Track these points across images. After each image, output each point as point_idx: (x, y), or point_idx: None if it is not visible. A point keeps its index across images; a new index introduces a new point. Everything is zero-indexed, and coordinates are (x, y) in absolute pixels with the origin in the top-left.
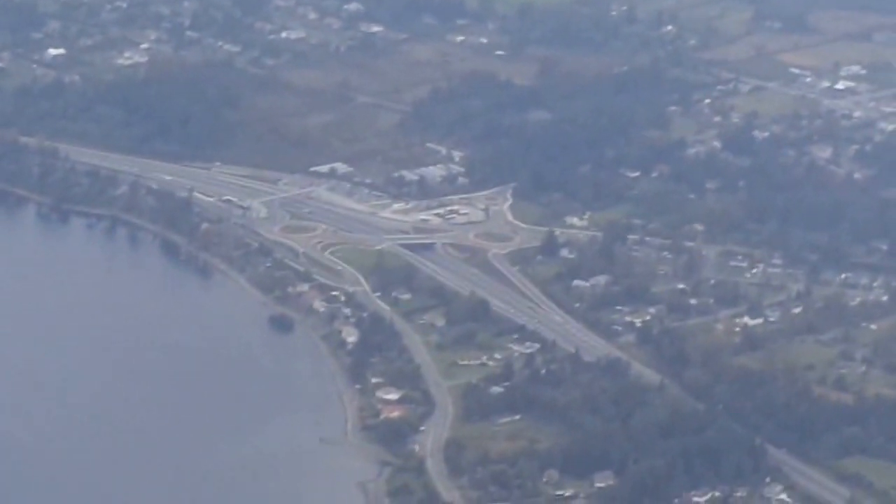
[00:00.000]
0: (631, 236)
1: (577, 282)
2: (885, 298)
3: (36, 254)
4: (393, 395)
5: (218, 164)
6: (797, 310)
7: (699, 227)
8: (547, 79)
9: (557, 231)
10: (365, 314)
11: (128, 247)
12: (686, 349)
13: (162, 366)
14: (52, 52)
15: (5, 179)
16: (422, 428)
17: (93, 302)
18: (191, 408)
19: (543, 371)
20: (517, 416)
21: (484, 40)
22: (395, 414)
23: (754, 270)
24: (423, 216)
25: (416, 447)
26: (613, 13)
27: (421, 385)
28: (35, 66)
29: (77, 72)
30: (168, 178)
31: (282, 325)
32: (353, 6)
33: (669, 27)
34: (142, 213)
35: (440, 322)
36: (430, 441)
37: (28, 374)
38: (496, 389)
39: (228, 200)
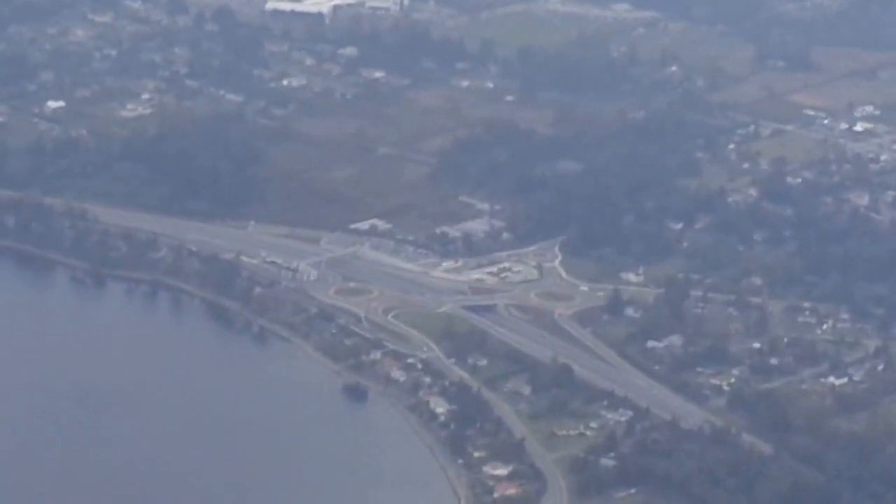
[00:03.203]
0: (694, 292)
1: (651, 343)
2: None
3: (78, 321)
4: (502, 471)
5: (253, 222)
6: (880, 367)
7: (758, 280)
8: (566, 126)
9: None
10: (447, 383)
11: (174, 313)
12: (786, 414)
13: (245, 440)
14: (52, 104)
15: (34, 243)
16: None
17: (153, 374)
18: (291, 484)
19: (648, 441)
20: (632, 490)
21: (490, 85)
22: (511, 491)
23: (824, 326)
24: (476, 275)
25: None
26: (614, 54)
27: (526, 459)
28: (36, 119)
29: (82, 125)
30: (206, 238)
31: (356, 394)
32: (348, 50)
33: (674, 68)
34: (187, 277)
35: (526, 390)
36: None
37: (91, 458)
38: (606, 462)
39: (274, 262)
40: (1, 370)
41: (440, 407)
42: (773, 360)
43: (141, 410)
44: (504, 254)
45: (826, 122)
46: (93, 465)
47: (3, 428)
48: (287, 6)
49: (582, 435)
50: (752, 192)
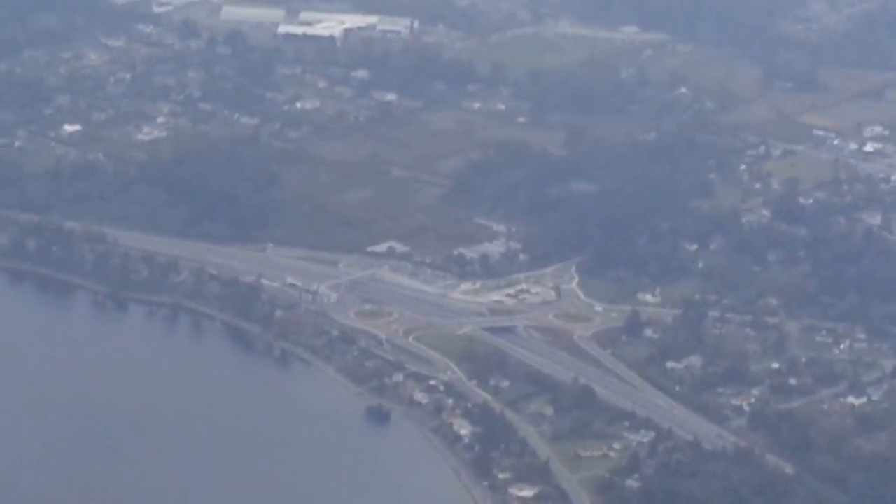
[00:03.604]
0: (711, 313)
1: (671, 363)
2: None
3: (99, 344)
4: (528, 493)
5: (270, 245)
6: None
7: (774, 301)
8: (578, 147)
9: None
10: (470, 404)
11: (194, 336)
12: (807, 434)
13: (268, 463)
14: (69, 128)
15: (54, 266)
16: None
17: (174, 397)
18: None
19: (672, 461)
20: None
21: (501, 107)
22: None
23: (842, 346)
24: (494, 297)
25: None
26: (624, 76)
27: (552, 480)
28: (53, 143)
29: (99, 149)
30: (225, 261)
31: (379, 417)
32: (360, 73)
33: (683, 89)
34: (207, 300)
35: (548, 411)
36: None
37: (111, 481)
38: (632, 483)
39: (293, 285)
40: (22, 393)
41: (464, 429)
42: (792, 381)
43: (162, 433)
44: (521, 275)
45: (836, 142)
46: (113, 488)
47: (23, 450)
48: (298, 30)
49: (606, 456)
50: (766, 212)
